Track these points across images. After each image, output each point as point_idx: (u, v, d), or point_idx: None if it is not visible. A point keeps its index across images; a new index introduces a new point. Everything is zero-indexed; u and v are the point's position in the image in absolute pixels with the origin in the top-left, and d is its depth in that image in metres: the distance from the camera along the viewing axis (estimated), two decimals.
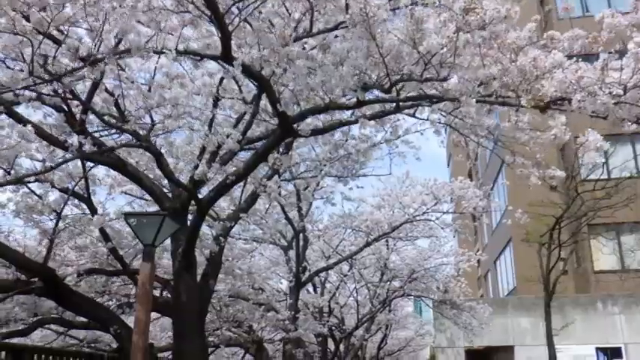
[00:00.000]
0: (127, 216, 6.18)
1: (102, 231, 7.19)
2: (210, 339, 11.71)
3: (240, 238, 13.55)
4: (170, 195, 7.46)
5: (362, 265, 19.43)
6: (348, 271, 19.23)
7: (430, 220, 14.94)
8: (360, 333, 20.50)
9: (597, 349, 19.66)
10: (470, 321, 18.30)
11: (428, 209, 14.46)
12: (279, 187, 11.39)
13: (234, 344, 12.79)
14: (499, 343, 20.14)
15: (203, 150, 7.27)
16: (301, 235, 12.90)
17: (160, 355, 10.57)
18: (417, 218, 14.75)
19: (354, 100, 5.40)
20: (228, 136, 6.41)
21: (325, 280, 19.34)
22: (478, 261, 19.86)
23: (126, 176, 7.07)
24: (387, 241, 18.06)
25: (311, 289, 19.42)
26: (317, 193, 13.96)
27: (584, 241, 16.86)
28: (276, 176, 10.59)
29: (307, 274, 13.89)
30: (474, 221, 15.49)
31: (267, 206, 13.60)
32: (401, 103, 5.90)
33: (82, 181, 7.13)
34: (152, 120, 7.07)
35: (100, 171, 8.54)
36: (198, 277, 7.62)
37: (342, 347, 21.04)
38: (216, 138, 6.48)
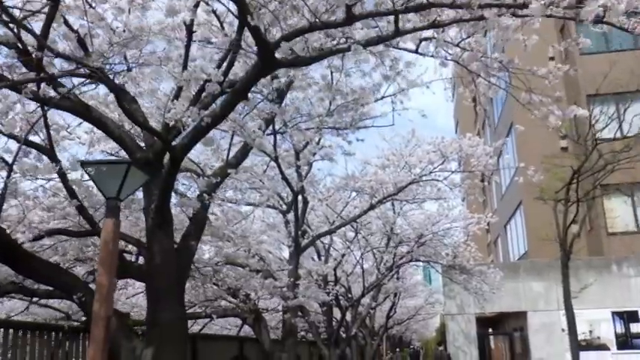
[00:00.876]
0: (85, 164, 5.33)
1: (67, 187, 6.36)
2: (203, 310, 10.99)
3: (236, 202, 12.76)
4: (144, 147, 6.61)
5: (368, 231, 18.66)
6: (354, 237, 18.48)
7: (437, 181, 14.05)
8: (367, 301, 19.80)
9: (613, 313, 18.90)
10: (480, 286, 17.56)
11: (435, 169, 13.56)
12: (274, 143, 10.65)
13: (230, 314, 12.06)
14: (511, 309, 19.42)
15: (179, 92, 6.39)
16: (300, 197, 12.05)
17: None
18: (424, 179, 13.86)
19: (343, 16, 4.48)
20: (207, 82, 5.54)
21: (329, 247, 18.58)
22: (488, 224, 19.00)
23: (90, 122, 6.21)
24: (392, 204, 17.23)
25: (315, 256, 18.73)
26: (317, 154, 13.15)
27: (597, 198, 15.91)
28: (272, 132, 9.80)
29: (308, 238, 13.10)
30: (482, 182, 14.55)
31: (264, 167, 12.83)
32: (401, 25, 4.99)
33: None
34: (126, 61, 6.20)
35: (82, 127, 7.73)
36: (178, 238, 6.81)
37: (349, 316, 20.42)
38: (192, 75, 5.59)
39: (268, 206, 13.39)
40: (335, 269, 18.97)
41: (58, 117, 7.37)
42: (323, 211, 16.74)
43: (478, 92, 6.81)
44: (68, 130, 6.82)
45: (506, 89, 6.55)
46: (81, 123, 7.50)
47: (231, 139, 8.19)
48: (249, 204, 13.01)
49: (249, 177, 12.81)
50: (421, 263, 29.53)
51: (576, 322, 12.15)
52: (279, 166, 10.83)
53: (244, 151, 8.14)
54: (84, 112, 6.05)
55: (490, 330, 25.87)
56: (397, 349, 47.59)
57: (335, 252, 20.99)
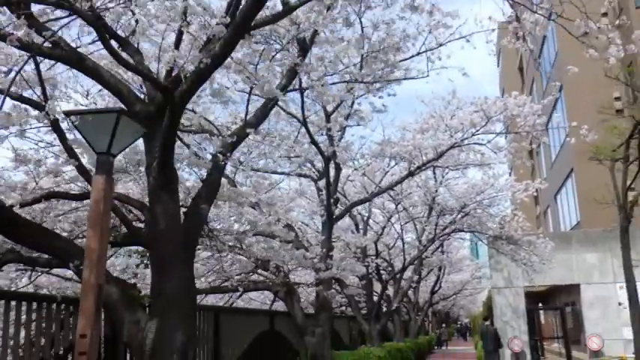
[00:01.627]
0: (69, 114, 4.72)
1: (64, 145, 5.79)
2: (230, 283, 10.44)
3: (266, 171, 12.14)
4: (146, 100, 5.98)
5: (409, 202, 17.81)
6: (394, 209, 17.67)
7: (481, 144, 13.06)
8: (410, 275, 19.03)
9: None
10: (529, 257, 16.53)
11: (478, 131, 12.58)
12: (301, 104, 9.90)
13: (261, 287, 11.50)
14: (563, 282, 18.31)
15: (180, 37, 5.72)
16: (332, 163, 11.30)
17: None
18: (466, 142, 12.89)
19: None
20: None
21: (368, 218, 17.85)
22: (537, 193, 17.86)
23: (84, 72, 5.60)
24: (434, 172, 16.34)
25: (354, 229, 18.02)
26: (351, 119, 12.36)
27: None
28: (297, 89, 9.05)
29: (342, 207, 12.39)
30: (530, 144, 13.45)
31: (296, 134, 12.14)
32: None
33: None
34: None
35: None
36: (188, 200, 6.19)
37: (391, 291, 19.71)
38: (193, 10, 4.90)
39: (299, 175, 12.72)
40: (376, 242, 18.27)
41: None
42: (360, 181, 15.99)
43: (524, 29, 5.92)
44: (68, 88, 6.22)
45: (554, 19, 5.63)
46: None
47: (249, 95, 7.48)
48: (278, 172, 12.36)
49: (280, 144, 12.19)
50: (467, 236, 28.50)
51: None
52: (307, 129, 10.09)
53: (264, 110, 7.44)
54: (77, 61, 5.45)
55: (540, 304, 24.76)
56: (443, 325, 46.71)
57: (375, 225, 20.29)
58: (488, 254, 18.88)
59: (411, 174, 13.15)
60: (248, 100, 7.48)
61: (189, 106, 7.47)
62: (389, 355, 15.59)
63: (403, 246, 17.71)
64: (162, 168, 5.41)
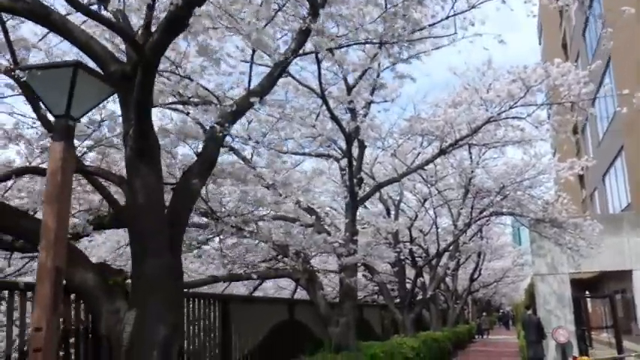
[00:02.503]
0: (21, 69, 4.02)
1: (38, 115, 5.12)
2: (244, 270, 9.75)
3: (284, 152, 11.37)
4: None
5: (443, 185, 16.82)
6: (428, 192, 16.70)
7: (520, 118, 11.97)
8: (445, 261, 18.04)
9: None
10: (575, 242, 15.33)
11: (516, 103, 11.51)
12: (318, 73, 9.07)
13: (282, 275, 10.78)
14: (613, 267, 17.01)
15: None
16: (356, 141, 10.45)
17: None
18: (504, 116, 11.84)
19: None
20: None
21: (399, 202, 16.94)
22: (583, 170, 16.58)
23: (51, 29, 4.91)
24: (469, 151, 15.29)
25: (385, 214, 17.15)
26: (377, 95, 11.48)
27: None
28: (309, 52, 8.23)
29: (366, 187, 11.54)
30: (574, 117, 12.28)
31: (317, 112, 11.33)
32: None
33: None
34: None
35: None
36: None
37: (426, 278, 18.77)
38: None
39: (320, 155, 11.89)
40: (409, 228, 17.34)
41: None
42: (390, 162, 15.11)
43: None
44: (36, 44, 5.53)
45: None
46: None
47: (251, 60, 6.70)
48: (299, 153, 11.57)
49: (302, 121, 11.42)
50: (509, 221, 27.23)
51: None
52: (325, 102, 9.25)
53: (271, 79, 6.65)
54: (44, 15, 4.75)
55: (587, 292, 23.41)
56: (484, 313, 45.34)
57: (409, 210, 19.34)
58: (529, 239, 17.72)
59: (442, 152, 12.20)
60: (251, 66, 6.70)
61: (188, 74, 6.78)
62: (424, 346, 14.73)
63: (437, 231, 16.72)
64: (140, 136, 4.69)
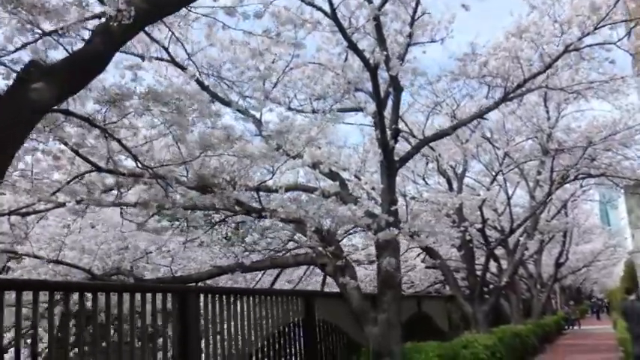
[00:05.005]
0: None
1: None
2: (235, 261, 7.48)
3: (301, 111, 9.05)
4: None
5: (516, 150, 13.94)
6: (496, 156, 13.88)
7: (609, 44, 9.10)
8: (522, 241, 15.04)
9: None
10: None
11: (602, 22, 8.66)
12: None
13: (303, 262, 8.46)
14: None
15: None
16: (386, 79, 7.98)
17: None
18: (586, 43, 9.00)
19: None
20: None
21: (463, 173, 14.20)
22: None
23: None
24: (545, 101, 12.40)
25: (446, 186, 14.49)
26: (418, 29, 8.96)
27: None
28: None
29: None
30: None
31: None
32: None
33: None
34: None
35: None
36: None
37: (504, 264, 15.95)
38: None
39: (344, 110, 9.43)
40: (480, 207, 14.51)
41: None
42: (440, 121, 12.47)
43: None
44: None
45: None
46: None
47: None
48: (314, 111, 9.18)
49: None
50: (597, 197, 23.71)
51: None
52: (336, 22, 6.83)
53: None
54: None
55: None
56: (571, 302, 41.22)
57: (478, 185, 16.59)
58: (626, 208, 14.55)
59: (506, 97, 9.52)
60: None
61: None
62: (501, 343, 11.99)
63: (508, 202, 13.84)
64: None
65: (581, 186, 17.72)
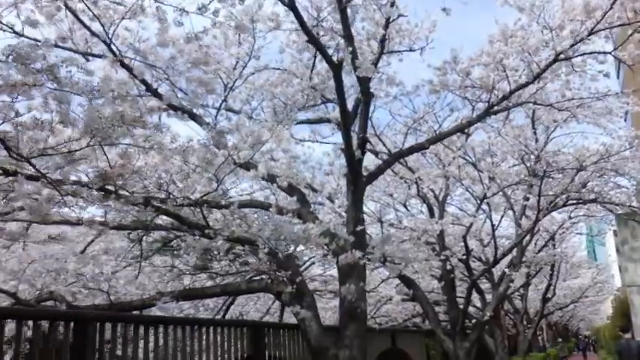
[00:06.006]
0: None
1: None
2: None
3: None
4: None
5: (504, 179, 12.96)
6: (479, 179, 12.88)
7: (604, 53, 8.22)
8: (507, 272, 13.97)
9: None
10: None
11: (597, 26, 7.79)
12: None
13: (256, 289, 7.33)
14: None
15: None
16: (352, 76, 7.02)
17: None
18: (581, 51, 8.11)
19: None
20: None
21: (445, 197, 13.18)
22: None
23: None
24: (532, 121, 11.51)
25: (426, 211, 13.46)
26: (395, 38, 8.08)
27: None
28: None
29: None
30: None
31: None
32: None
33: None
34: None
35: None
36: None
37: (489, 298, 14.85)
38: None
39: (311, 122, 8.44)
40: (465, 237, 13.43)
41: None
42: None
43: None
44: None
45: None
46: None
47: None
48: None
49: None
50: (583, 229, 22.75)
51: None
52: (294, 12, 5.87)
53: None
54: None
55: None
56: (559, 340, 39.97)
57: (461, 213, 15.59)
58: (619, 240, 13.60)
59: (490, 111, 8.58)
60: None
61: None
62: None
63: (493, 229, 12.85)
64: None
65: (570, 217, 16.79)
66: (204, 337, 5.37)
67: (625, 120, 18.85)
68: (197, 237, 6.16)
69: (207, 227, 6.22)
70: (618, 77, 29.13)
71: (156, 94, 5.29)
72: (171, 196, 5.84)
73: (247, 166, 6.33)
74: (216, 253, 7.43)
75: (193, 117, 6.42)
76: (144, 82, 5.33)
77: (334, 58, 6.47)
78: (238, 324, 6.39)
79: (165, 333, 4.85)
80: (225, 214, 6.67)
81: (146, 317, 5.56)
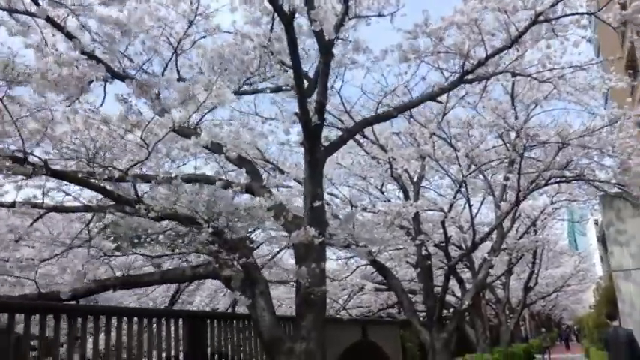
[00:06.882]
0: None
1: None
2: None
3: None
4: None
5: (483, 159, 12.23)
6: (455, 156, 12.12)
7: (588, 14, 7.49)
8: (487, 257, 13.26)
9: None
10: None
11: None
12: None
13: (202, 275, 6.49)
14: None
15: None
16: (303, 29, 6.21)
17: None
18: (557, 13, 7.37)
19: None
20: None
21: (420, 179, 12.42)
22: None
23: None
24: (512, 96, 10.78)
25: (401, 195, 12.72)
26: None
27: None
28: None
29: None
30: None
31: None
32: None
33: None
34: None
35: None
36: None
37: (470, 287, 14.15)
38: None
39: (273, 90, 7.61)
40: (443, 223, 12.69)
41: None
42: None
43: None
44: None
45: None
46: None
47: None
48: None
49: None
50: (565, 216, 22.16)
51: None
52: None
53: None
54: None
55: None
56: (542, 329, 39.60)
57: (440, 199, 14.85)
58: (605, 222, 12.95)
59: (463, 78, 7.82)
60: None
61: None
62: None
63: (470, 210, 12.12)
64: None
65: (552, 202, 16.17)
66: (128, 330, 4.54)
67: (605, 102, 18.32)
68: (125, 214, 5.31)
69: (138, 202, 5.39)
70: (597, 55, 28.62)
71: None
72: (94, 166, 4.99)
73: (186, 132, 5.51)
74: (149, 232, 6.56)
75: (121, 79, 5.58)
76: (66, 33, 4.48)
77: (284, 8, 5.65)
78: (172, 314, 5.54)
79: (73, 325, 4.02)
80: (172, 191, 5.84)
81: (43, 305, 4.67)
